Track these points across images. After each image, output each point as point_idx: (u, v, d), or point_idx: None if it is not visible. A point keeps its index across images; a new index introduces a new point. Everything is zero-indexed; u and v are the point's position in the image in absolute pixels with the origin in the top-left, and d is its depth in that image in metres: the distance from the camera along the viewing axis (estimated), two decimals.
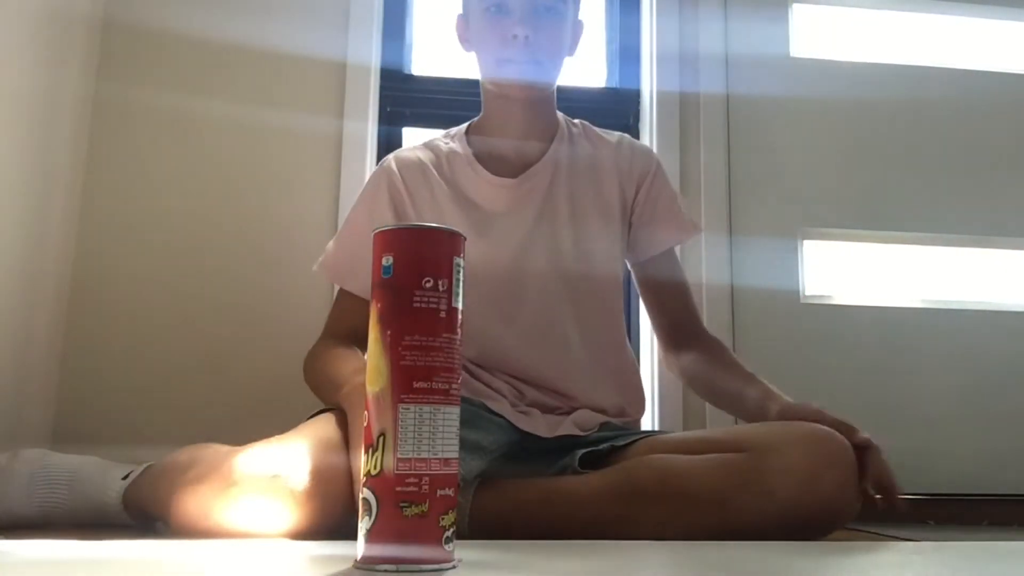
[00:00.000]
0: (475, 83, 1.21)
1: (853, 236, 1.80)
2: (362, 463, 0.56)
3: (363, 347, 1.06)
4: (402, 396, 0.54)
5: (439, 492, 0.54)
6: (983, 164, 1.84)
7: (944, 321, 1.77)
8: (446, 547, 0.54)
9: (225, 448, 0.89)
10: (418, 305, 0.55)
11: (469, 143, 1.20)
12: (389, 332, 0.55)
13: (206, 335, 1.56)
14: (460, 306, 0.57)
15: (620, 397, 1.15)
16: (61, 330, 1.53)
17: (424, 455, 0.54)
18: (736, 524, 0.86)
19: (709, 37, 1.81)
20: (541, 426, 1.06)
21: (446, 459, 0.55)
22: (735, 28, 1.83)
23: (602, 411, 1.12)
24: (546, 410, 1.09)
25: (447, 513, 0.55)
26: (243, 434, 0.95)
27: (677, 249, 1.27)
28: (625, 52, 1.85)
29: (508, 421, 1.05)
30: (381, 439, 0.54)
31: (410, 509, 0.53)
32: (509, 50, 1.10)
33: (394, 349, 0.55)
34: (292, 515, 0.80)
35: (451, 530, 0.55)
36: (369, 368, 0.56)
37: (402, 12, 1.80)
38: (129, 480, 0.96)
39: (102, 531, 0.89)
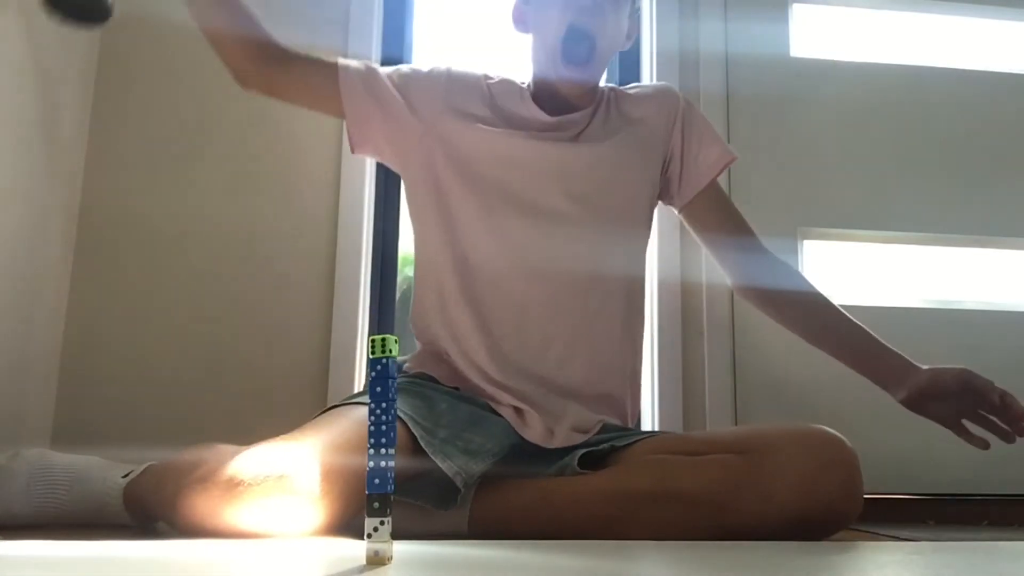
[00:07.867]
0: None
1: (853, 236, 1.80)
2: None
3: (277, 55, 1.25)
4: None
5: None
6: (983, 164, 1.83)
7: (944, 321, 1.76)
8: None
9: (231, 448, 0.88)
10: None
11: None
12: None
13: (206, 335, 1.56)
14: None
15: (621, 394, 1.14)
16: (61, 330, 1.53)
17: None
18: (734, 527, 0.86)
19: (709, 37, 1.81)
20: (541, 434, 1.04)
21: None
22: (735, 28, 1.83)
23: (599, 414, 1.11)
24: (540, 408, 1.08)
25: None
26: (243, 434, 0.94)
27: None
28: (625, 52, 1.83)
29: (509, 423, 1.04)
30: None
31: None
32: (575, 17, 1.10)
33: None
34: (301, 515, 0.80)
35: None
36: None
37: (402, 12, 1.80)
38: (129, 479, 0.96)
39: (102, 531, 0.89)
